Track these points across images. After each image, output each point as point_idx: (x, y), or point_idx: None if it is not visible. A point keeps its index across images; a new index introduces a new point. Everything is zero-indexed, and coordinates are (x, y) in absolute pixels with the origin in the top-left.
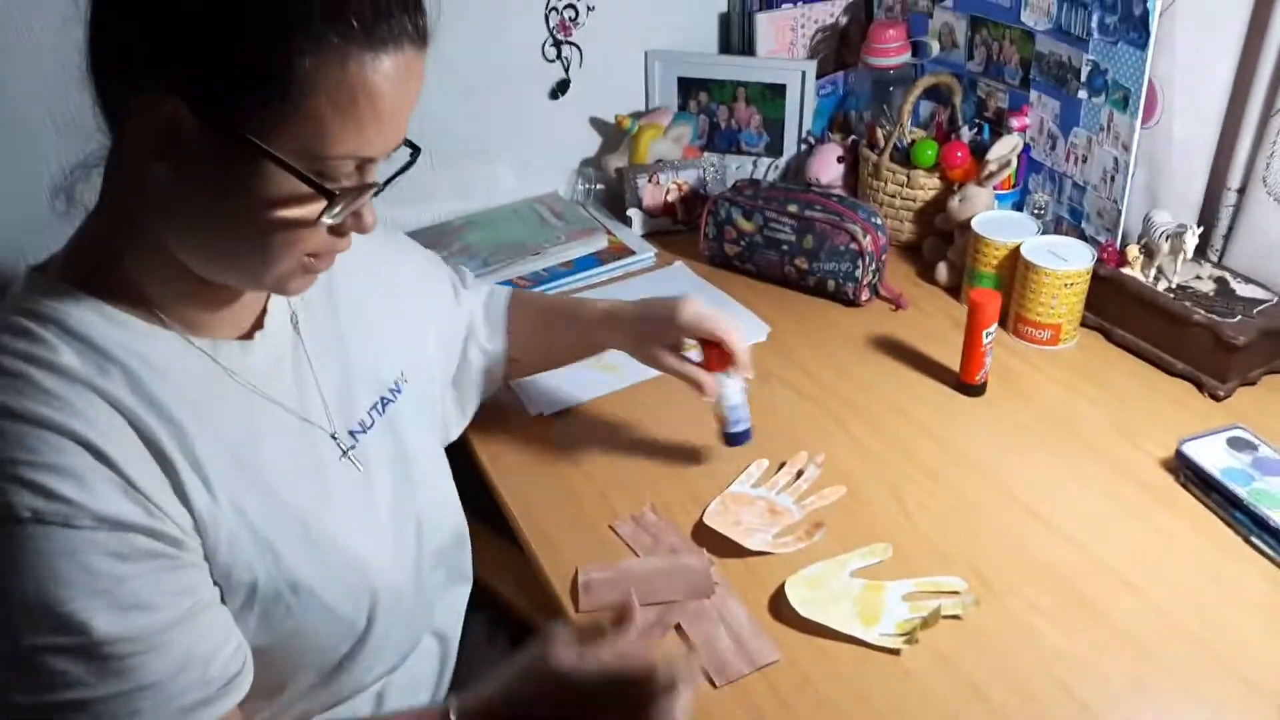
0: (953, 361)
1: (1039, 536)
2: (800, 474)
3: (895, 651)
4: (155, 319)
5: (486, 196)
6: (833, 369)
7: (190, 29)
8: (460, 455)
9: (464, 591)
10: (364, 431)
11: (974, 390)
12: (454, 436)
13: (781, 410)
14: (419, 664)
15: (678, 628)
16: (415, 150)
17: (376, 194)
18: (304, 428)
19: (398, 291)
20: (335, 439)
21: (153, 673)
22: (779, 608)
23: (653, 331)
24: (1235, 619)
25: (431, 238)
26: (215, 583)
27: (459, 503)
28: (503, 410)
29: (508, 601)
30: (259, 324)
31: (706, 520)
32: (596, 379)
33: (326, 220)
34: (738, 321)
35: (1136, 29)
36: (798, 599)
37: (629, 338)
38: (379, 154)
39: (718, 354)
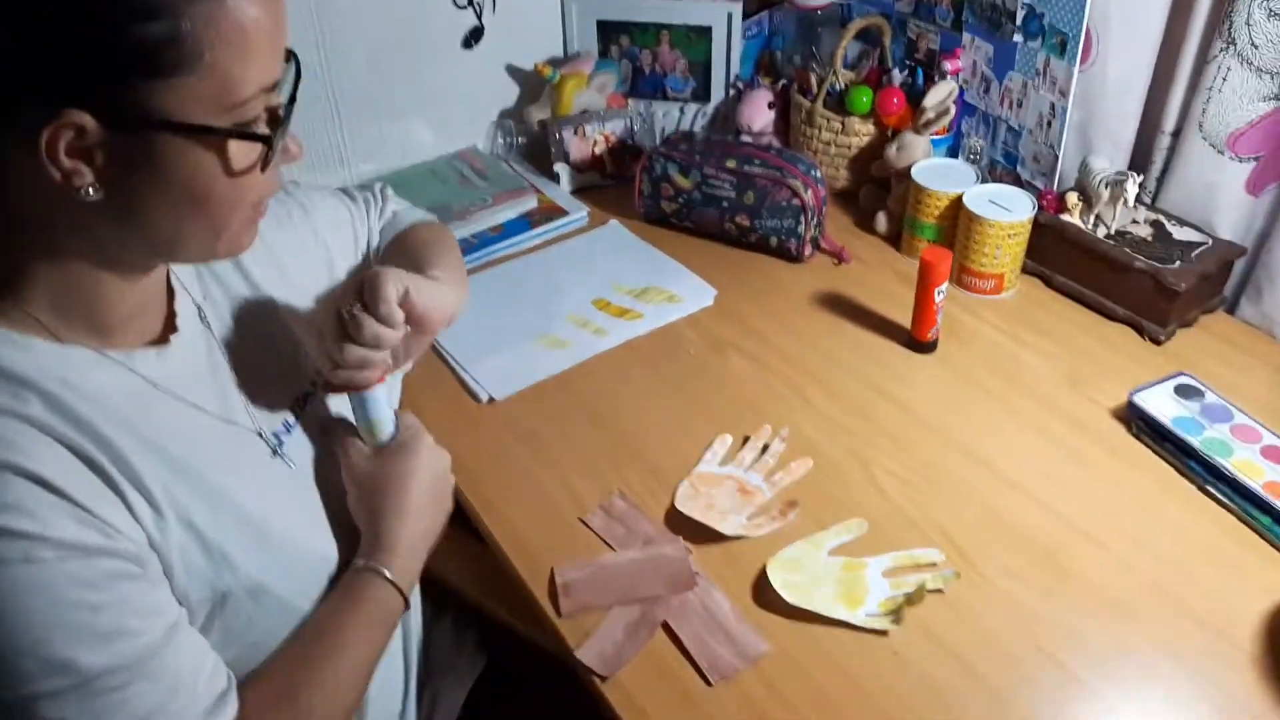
0: (901, 317)
1: (1006, 498)
2: (766, 448)
3: (883, 632)
4: (60, 339)
5: (402, 155)
6: (784, 332)
7: (64, 40)
8: None
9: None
10: (287, 432)
11: (926, 347)
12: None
13: (738, 380)
14: (384, 666)
15: (665, 626)
16: (290, 55)
17: (290, 111)
18: (231, 430)
19: (301, 273)
20: (262, 437)
21: (149, 700)
22: (762, 593)
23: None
24: (1199, 569)
25: None
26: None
27: None
28: (450, 398)
29: (474, 601)
30: (170, 326)
31: (678, 505)
32: (546, 356)
33: (270, 166)
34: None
35: None
36: (780, 584)
37: None
38: (279, 74)
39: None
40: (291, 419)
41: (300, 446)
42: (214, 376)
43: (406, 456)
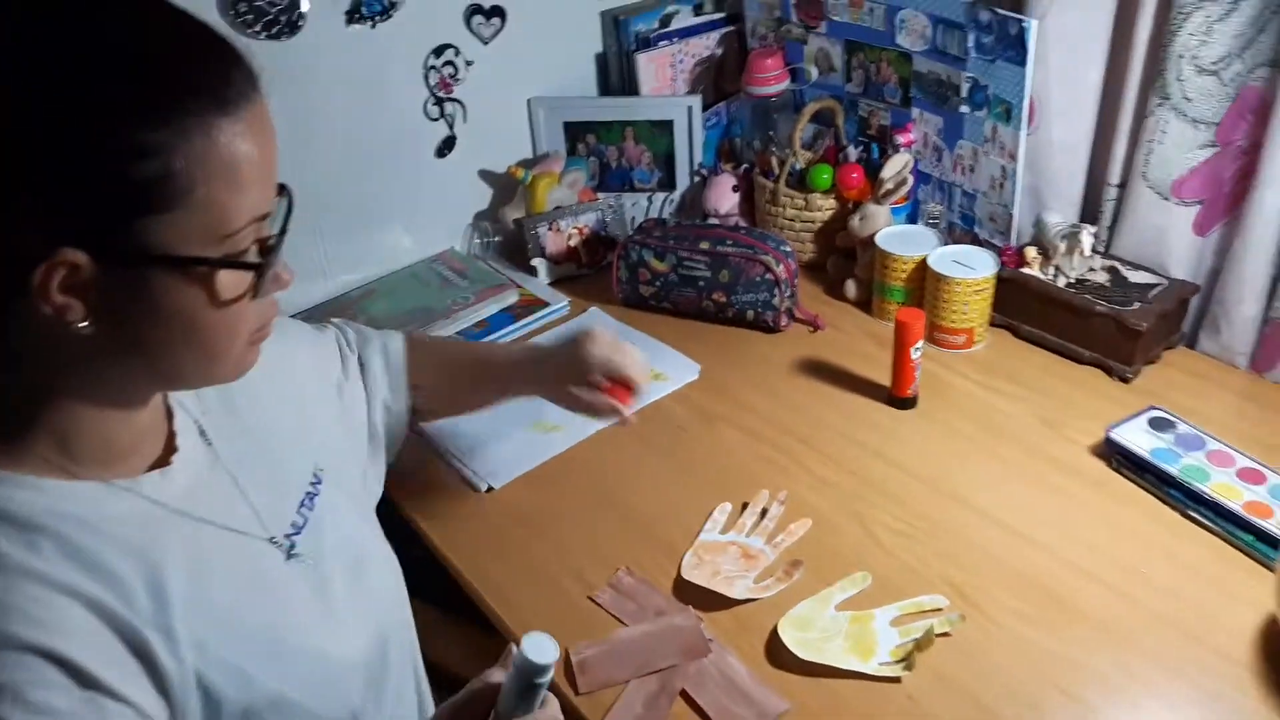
0: (880, 376)
1: (1001, 540)
2: (765, 513)
3: (896, 680)
4: (69, 474)
5: (382, 263)
6: (770, 400)
7: (59, 180)
8: (405, 539)
9: (415, 679)
10: (298, 533)
11: (907, 403)
12: (378, 494)
13: (731, 450)
14: None
15: (683, 694)
16: (283, 188)
17: (280, 243)
18: (241, 541)
19: (293, 382)
20: (274, 543)
21: None
22: (775, 653)
23: (563, 375)
24: (1192, 591)
25: (330, 313)
26: None
27: (403, 584)
28: (447, 489)
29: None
30: (171, 446)
31: (685, 575)
32: (540, 441)
33: (262, 295)
34: (635, 350)
35: (1014, 47)
36: (792, 641)
37: (539, 385)
38: (270, 206)
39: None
40: (300, 522)
41: (313, 544)
42: (220, 489)
43: None
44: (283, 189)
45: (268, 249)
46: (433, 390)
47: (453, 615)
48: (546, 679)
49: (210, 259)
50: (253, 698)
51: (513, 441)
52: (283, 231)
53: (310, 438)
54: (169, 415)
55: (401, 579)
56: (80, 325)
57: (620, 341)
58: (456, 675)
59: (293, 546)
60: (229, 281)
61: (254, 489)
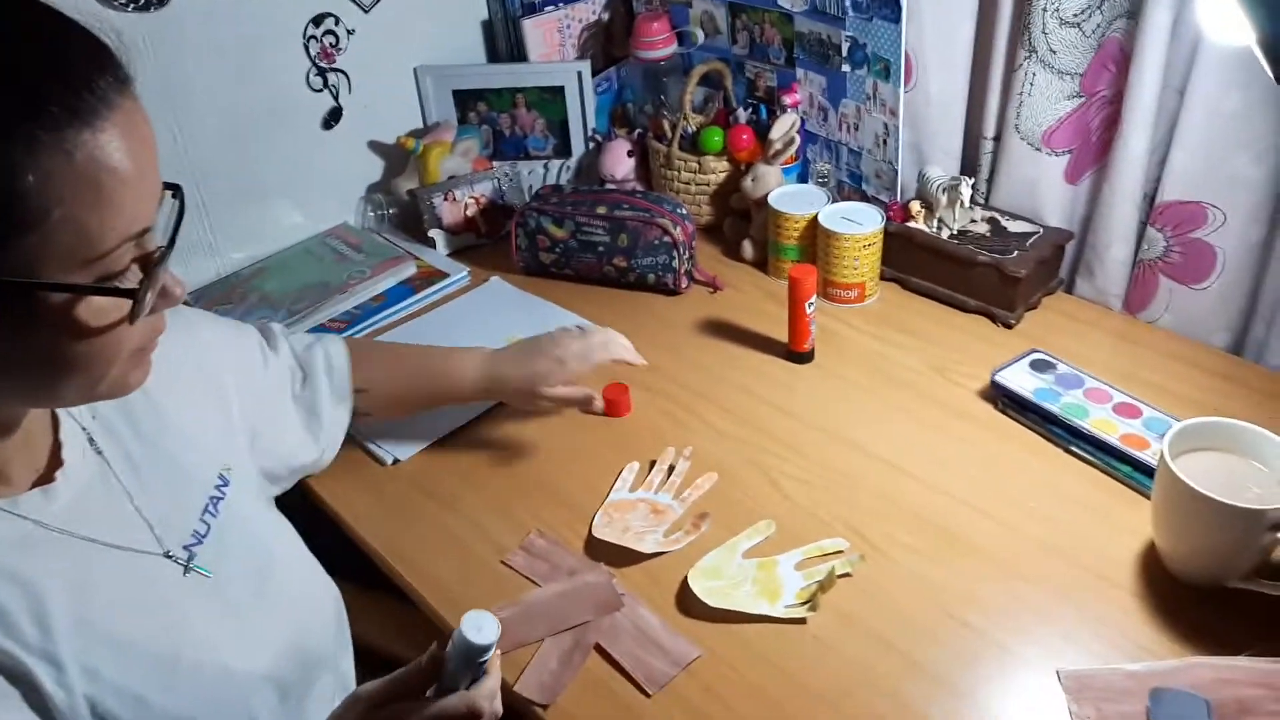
0: (778, 333)
1: (897, 483)
2: (672, 469)
3: (802, 621)
4: None
5: (273, 239)
6: (673, 360)
7: None
8: (312, 515)
9: (348, 662)
10: (199, 542)
11: (804, 357)
12: (326, 463)
13: (636, 410)
14: None
15: (598, 648)
16: (176, 190)
17: (166, 257)
18: (132, 559)
19: (202, 377)
20: (171, 557)
21: None
22: (686, 603)
23: (526, 395)
24: (1075, 521)
25: (222, 293)
26: None
27: (324, 574)
28: (353, 464)
29: (392, 653)
30: (56, 460)
31: (596, 533)
32: (445, 413)
33: (139, 318)
34: (611, 335)
35: (889, 5)
36: (702, 590)
37: (512, 399)
38: (150, 220)
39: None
40: (203, 530)
41: (216, 553)
42: (110, 503)
43: None
44: (175, 190)
45: (151, 264)
46: (379, 395)
47: (370, 590)
48: (487, 657)
49: (76, 285)
50: None
51: (416, 415)
52: (171, 243)
53: (220, 436)
54: (55, 425)
55: (323, 579)
56: None
57: (588, 338)
58: (378, 649)
59: (191, 559)
60: (101, 306)
61: (150, 500)
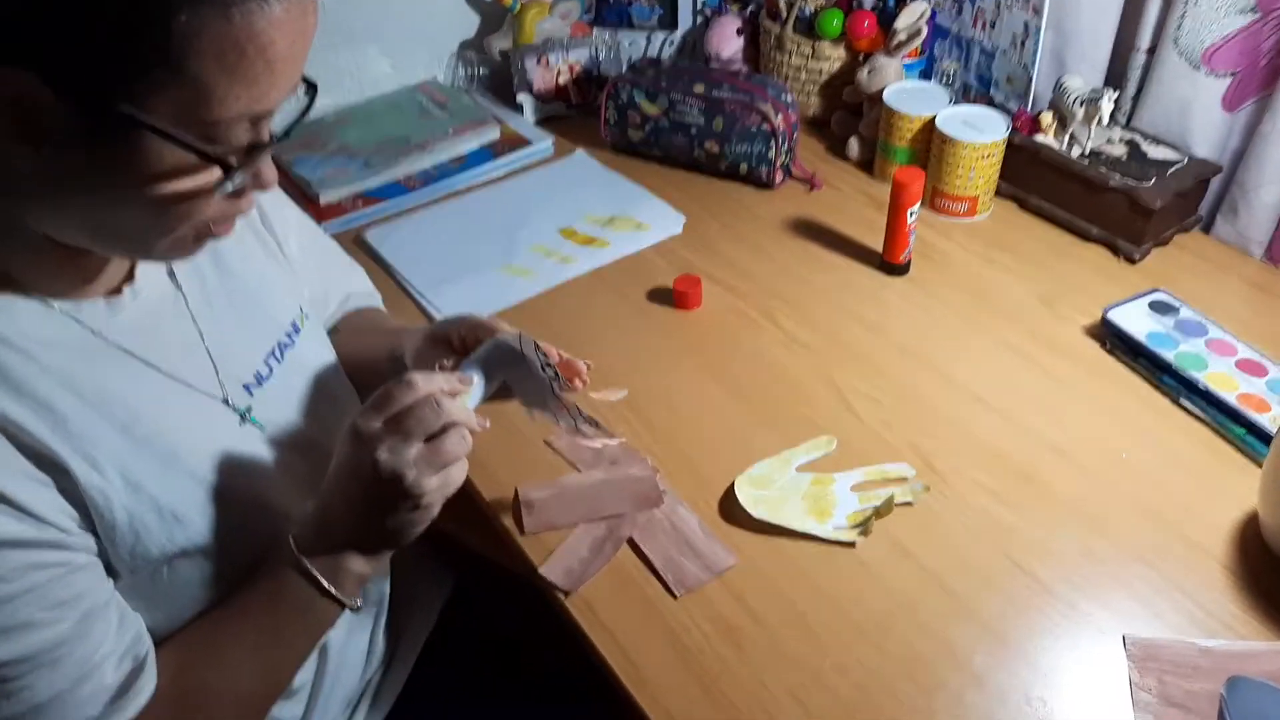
0: (873, 241)
1: (979, 416)
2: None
3: (850, 544)
4: (8, 289)
5: (360, 88)
6: (754, 258)
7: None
8: None
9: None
10: (260, 384)
11: (898, 270)
12: None
13: (708, 305)
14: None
15: (630, 542)
16: (312, 89)
17: (272, 144)
18: (190, 396)
19: (284, 225)
20: (229, 404)
21: (49, 688)
22: (729, 510)
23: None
24: (1173, 481)
25: (303, 138)
26: (115, 569)
27: None
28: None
29: (439, 527)
30: (129, 277)
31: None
32: (510, 284)
33: (225, 190)
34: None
35: None
36: (747, 499)
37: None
38: (275, 106)
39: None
40: (265, 373)
41: (274, 403)
42: (178, 337)
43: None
44: (311, 88)
45: (257, 147)
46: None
47: None
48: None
49: (179, 138)
50: (186, 543)
51: (480, 282)
52: (286, 134)
53: (296, 280)
54: None
55: None
56: (27, 158)
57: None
58: None
59: (249, 408)
60: (191, 167)
61: (220, 339)
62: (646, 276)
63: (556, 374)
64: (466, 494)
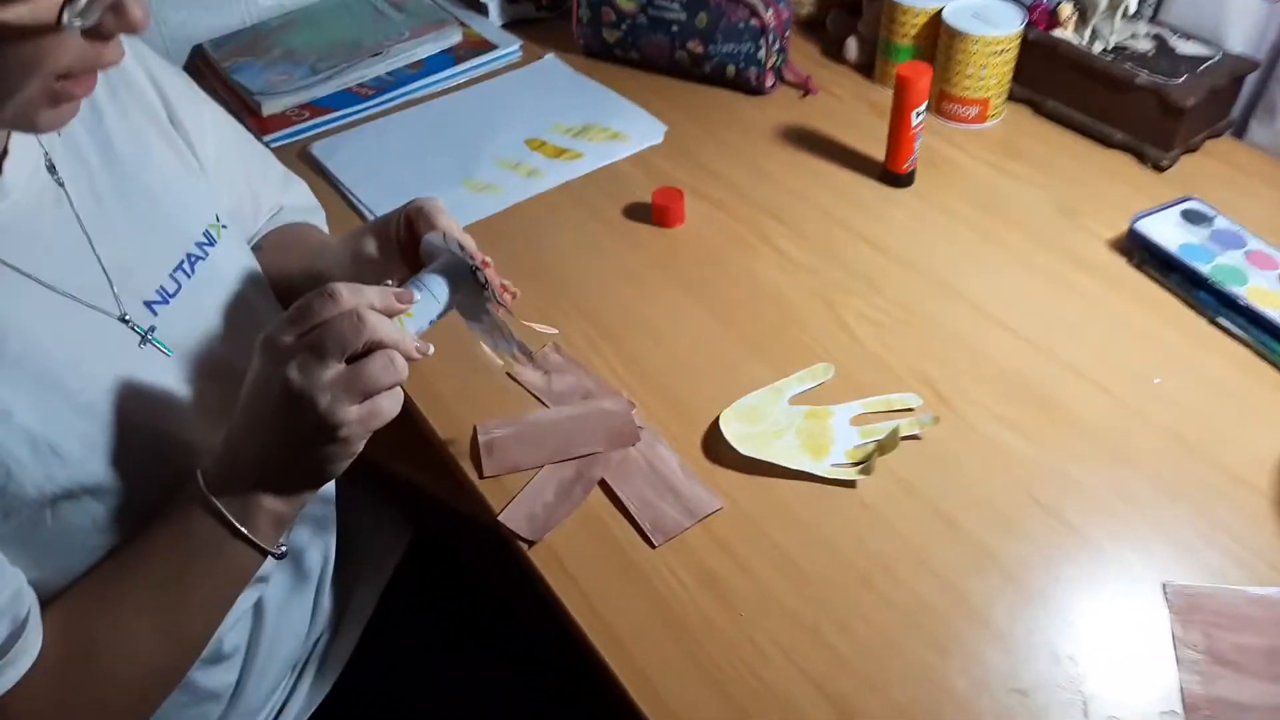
0: (874, 150)
1: (993, 339)
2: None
3: (850, 484)
4: None
5: None
6: (743, 170)
7: None
8: None
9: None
10: (165, 302)
11: (902, 180)
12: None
13: (691, 223)
14: (301, 553)
15: (602, 485)
16: None
17: None
18: (80, 312)
19: (198, 124)
20: (128, 322)
21: None
22: (714, 448)
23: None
24: (1211, 409)
25: (244, 45)
26: None
27: None
28: None
29: (393, 469)
30: None
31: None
32: (471, 201)
33: (73, 21)
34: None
35: None
36: (734, 435)
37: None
38: None
39: None
40: (173, 286)
41: (182, 323)
42: (62, 243)
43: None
44: None
45: None
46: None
47: None
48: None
49: None
50: (66, 481)
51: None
52: None
53: (213, 185)
54: (6, 134)
55: None
56: None
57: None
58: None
59: (151, 330)
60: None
61: (114, 246)
62: (623, 191)
63: (494, 295)
64: (420, 433)
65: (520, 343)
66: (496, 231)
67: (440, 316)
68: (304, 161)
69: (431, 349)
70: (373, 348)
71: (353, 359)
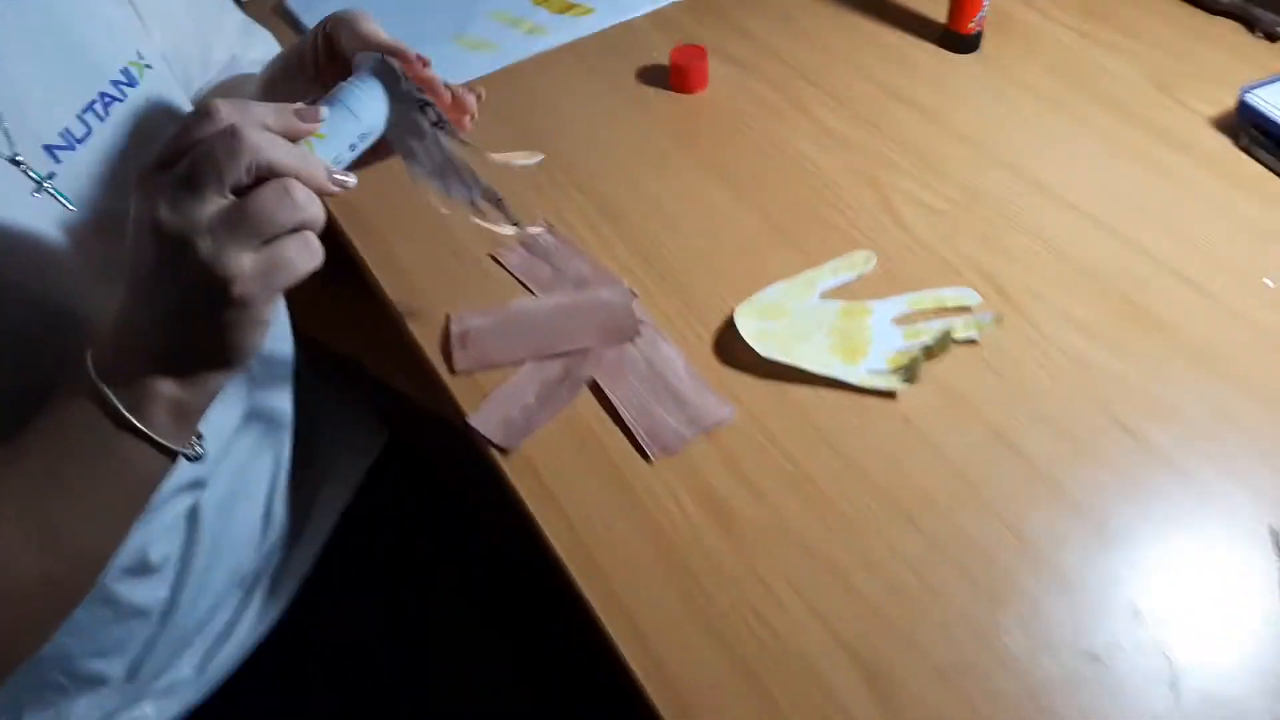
0: (934, 9)
1: (1069, 228)
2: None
3: (890, 394)
4: None
5: None
6: (779, 28)
7: None
8: None
9: (284, 353)
10: (71, 148)
11: (967, 44)
12: None
13: (716, 88)
14: (247, 456)
15: (593, 386)
16: None
17: None
18: None
19: None
20: (20, 165)
21: None
22: (728, 348)
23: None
24: None
25: None
26: None
27: None
28: None
29: (363, 364)
30: None
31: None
32: (464, 60)
33: None
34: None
35: None
36: (752, 333)
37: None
38: None
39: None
40: (81, 130)
41: (88, 172)
42: None
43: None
44: None
45: None
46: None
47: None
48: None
49: None
50: None
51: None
52: None
53: (140, 19)
54: None
55: None
56: None
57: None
58: (335, 346)
59: (50, 176)
60: None
61: (8, 83)
62: (638, 52)
63: (440, 117)
64: (388, 322)
65: (485, 186)
66: (490, 95)
67: (368, 143)
68: (279, 17)
69: (353, 180)
70: (264, 175)
71: (238, 191)
